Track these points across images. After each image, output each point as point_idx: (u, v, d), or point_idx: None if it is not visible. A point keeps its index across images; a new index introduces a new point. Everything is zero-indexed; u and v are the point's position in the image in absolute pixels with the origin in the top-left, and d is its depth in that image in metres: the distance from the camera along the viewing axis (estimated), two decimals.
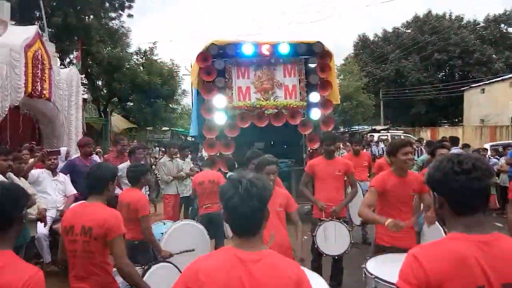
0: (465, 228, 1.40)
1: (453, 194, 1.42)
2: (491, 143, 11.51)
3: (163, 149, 12.54)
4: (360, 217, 3.31)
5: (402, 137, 19.80)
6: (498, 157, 9.09)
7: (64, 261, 2.53)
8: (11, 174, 4.27)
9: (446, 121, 35.35)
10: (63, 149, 6.71)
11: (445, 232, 3.44)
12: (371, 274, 2.67)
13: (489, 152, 9.70)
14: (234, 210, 1.48)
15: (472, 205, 1.41)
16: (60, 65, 14.15)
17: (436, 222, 3.69)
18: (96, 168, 2.66)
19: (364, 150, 9.46)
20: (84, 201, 2.66)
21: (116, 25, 20.65)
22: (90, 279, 2.41)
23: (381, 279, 2.54)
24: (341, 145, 9.77)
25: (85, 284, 2.41)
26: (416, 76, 32.24)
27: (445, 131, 25.73)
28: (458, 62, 31.73)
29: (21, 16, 15.29)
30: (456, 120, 33.84)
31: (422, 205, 3.69)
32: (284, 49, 8.01)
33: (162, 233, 4.07)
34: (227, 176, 7.27)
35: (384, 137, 19.09)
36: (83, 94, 12.53)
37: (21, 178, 4.58)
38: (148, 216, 3.71)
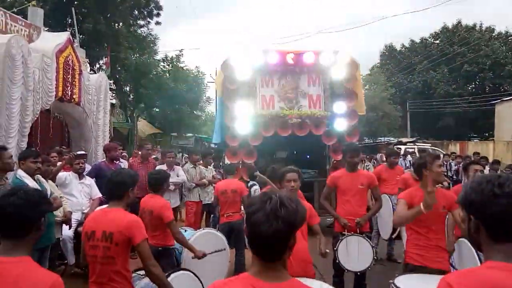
0: (504, 256, 1.29)
1: (492, 218, 1.31)
2: None
3: (187, 155, 12.68)
4: (397, 224, 3.18)
5: (430, 150, 19.30)
6: None
7: (86, 265, 2.55)
8: (39, 177, 4.38)
9: (475, 135, 34.25)
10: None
11: (477, 254, 3.29)
12: None
13: None
14: (255, 226, 1.34)
15: None
16: (90, 71, 14.57)
17: (468, 243, 3.53)
18: (117, 174, 2.68)
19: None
20: (105, 206, 2.69)
21: (144, 32, 21.16)
22: (109, 285, 2.42)
23: None
24: (365, 158, 9.57)
25: None
26: (445, 88, 31.46)
27: (475, 146, 24.94)
28: (488, 75, 30.80)
29: (53, 22, 15.90)
30: (486, 134, 32.74)
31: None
32: (309, 58, 7.97)
33: None
34: (248, 185, 7.31)
35: (410, 150, 18.63)
36: (111, 99, 12.85)
37: (49, 180, 4.69)
38: (174, 221, 3.74)
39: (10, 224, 1.63)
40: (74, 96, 7.99)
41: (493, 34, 33.04)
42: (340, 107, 8.03)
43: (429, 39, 35.56)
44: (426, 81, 32.58)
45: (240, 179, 7.63)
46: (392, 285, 2.68)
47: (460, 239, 3.29)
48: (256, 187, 7.31)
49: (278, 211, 1.32)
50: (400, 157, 16.71)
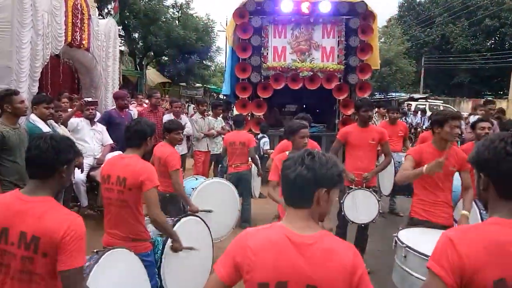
0: (509, 214, 1.31)
1: (503, 175, 1.33)
2: None
3: (195, 105, 12.67)
4: (399, 182, 3.19)
5: (441, 107, 19.03)
6: None
7: (99, 207, 2.67)
8: (52, 122, 4.44)
9: (489, 93, 33.49)
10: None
11: (479, 212, 3.34)
12: (402, 243, 2.65)
13: None
14: (283, 171, 1.44)
15: None
16: (98, 16, 14.24)
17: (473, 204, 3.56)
18: (136, 123, 2.71)
19: (401, 119, 9.07)
20: (121, 151, 2.74)
21: None
22: (123, 226, 2.54)
23: (412, 249, 2.52)
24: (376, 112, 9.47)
25: (117, 231, 2.55)
26: (463, 43, 30.34)
27: None
28: (510, 30, 29.50)
29: None
30: (501, 92, 31.98)
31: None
32: (325, 8, 7.68)
33: (193, 188, 4.17)
34: (258, 137, 7.35)
35: (422, 107, 18.39)
36: (120, 46, 12.65)
37: (61, 126, 4.76)
38: (177, 171, 3.79)
39: (34, 165, 1.74)
40: (84, 42, 7.87)
41: None
42: (354, 60, 7.85)
43: None
44: (445, 35, 31.39)
45: (249, 131, 7.68)
46: (396, 238, 2.76)
47: (464, 212, 3.30)
48: (266, 139, 7.37)
49: (305, 159, 1.40)
50: (411, 114, 16.60)
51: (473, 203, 3.37)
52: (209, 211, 3.90)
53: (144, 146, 2.66)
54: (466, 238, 1.31)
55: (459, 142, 6.66)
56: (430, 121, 3.48)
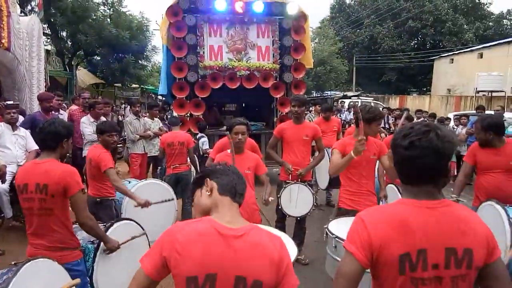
0: (413, 195, 1.43)
1: (397, 165, 1.48)
2: (455, 113, 11.91)
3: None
4: (332, 173, 3.38)
5: (372, 104, 20.16)
6: (461, 126, 9.46)
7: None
8: None
9: (414, 90, 36.15)
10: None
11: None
12: (332, 234, 2.79)
13: (452, 122, 10.05)
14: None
15: (417, 179, 1.43)
16: (20, 13, 13.19)
17: (394, 187, 3.85)
18: (49, 124, 2.50)
19: (335, 116, 9.54)
20: (36, 158, 2.55)
21: None
22: (49, 236, 2.39)
23: (341, 239, 2.65)
24: (311, 110, 9.83)
25: (43, 241, 2.39)
26: (389, 43, 32.43)
27: (413, 100, 26.37)
28: (430, 31, 32.06)
29: None
30: (424, 89, 34.67)
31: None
32: (258, 8, 7.79)
33: None
34: (197, 137, 7.28)
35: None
36: (45, 45, 11.85)
37: None
38: (112, 169, 3.64)
39: None
40: (3, 41, 7.26)
41: None
42: (288, 59, 8.06)
43: None
44: (373, 36, 33.31)
45: (188, 131, 7.57)
46: (326, 230, 2.90)
47: (389, 185, 3.56)
48: (205, 139, 7.32)
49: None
50: (346, 111, 17.44)
51: (396, 188, 3.65)
52: (170, 200, 3.98)
53: (60, 148, 2.48)
54: (375, 218, 1.42)
55: (385, 135, 7.15)
56: (355, 115, 3.71)
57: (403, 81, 34.19)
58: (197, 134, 7.47)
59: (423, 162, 1.38)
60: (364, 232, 1.39)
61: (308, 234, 4.69)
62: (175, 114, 8.26)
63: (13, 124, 5.03)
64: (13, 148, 4.96)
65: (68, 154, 3.60)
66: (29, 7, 17.73)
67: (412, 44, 34.70)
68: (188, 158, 5.56)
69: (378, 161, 3.52)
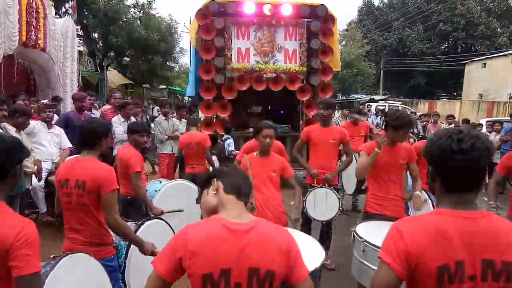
0: (452, 204, 1.40)
1: (447, 172, 1.40)
2: (487, 119, 11.54)
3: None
4: (359, 174, 3.40)
5: (400, 108, 19.77)
6: (494, 133, 9.15)
7: (60, 213, 2.57)
8: (6, 124, 4.25)
9: (444, 94, 35.22)
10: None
11: (433, 205, 3.54)
12: (360, 238, 2.75)
13: (484, 128, 9.74)
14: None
15: (464, 185, 1.39)
16: (55, 15, 13.69)
17: (425, 194, 3.77)
18: (89, 123, 2.61)
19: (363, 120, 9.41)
20: (78, 155, 2.65)
21: None
22: (84, 231, 2.47)
23: (369, 243, 2.62)
24: (338, 114, 9.74)
25: (79, 236, 2.47)
26: (419, 46, 31.75)
27: (442, 105, 25.72)
28: (462, 34, 31.19)
29: None
30: (455, 93, 33.72)
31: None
32: (286, 11, 7.80)
33: (156, 191, 4.12)
34: (223, 138, 7.35)
35: (382, 107, 19.03)
36: (78, 46, 12.23)
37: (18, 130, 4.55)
38: (138, 173, 3.73)
39: None
40: (39, 42, 7.57)
41: None
42: (315, 62, 8.02)
43: None
44: (402, 39, 32.70)
45: (214, 132, 7.66)
46: (354, 232, 2.87)
47: (416, 192, 3.50)
48: (230, 140, 7.38)
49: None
50: (373, 115, 17.17)
51: (426, 195, 3.58)
52: (180, 211, 3.85)
53: (98, 146, 2.57)
54: (411, 227, 1.39)
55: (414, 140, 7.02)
56: (385, 119, 3.70)
57: (432, 85, 33.37)
58: (223, 135, 7.54)
59: (479, 165, 1.36)
60: (400, 242, 1.36)
61: (333, 239, 4.64)
62: (200, 115, 8.37)
63: (48, 123, 5.22)
64: (48, 145, 5.15)
65: None
66: (63, 9, 18.36)
67: (442, 47, 33.84)
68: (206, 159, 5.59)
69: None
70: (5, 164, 1.65)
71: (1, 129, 4.06)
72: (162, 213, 3.65)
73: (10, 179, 1.70)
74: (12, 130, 4.29)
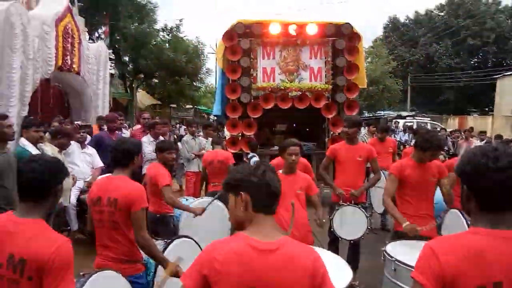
0: (489, 224, 1.35)
1: (483, 190, 1.35)
2: None
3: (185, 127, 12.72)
4: (384, 205, 3.37)
5: (429, 125, 19.33)
6: None
7: (92, 231, 2.66)
8: (42, 145, 4.45)
9: (475, 110, 34.19)
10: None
11: (467, 224, 3.42)
12: (391, 257, 2.69)
13: None
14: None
15: (502, 204, 1.34)
16: (89, 40, 14.37)
17: (458, 212, 3.65)
18: (122, 143, 2.71)
19: (390, 137, 9.28)
20: (110, 174, 2.75)
21: (144, 0, 20.68)
22: (115, 248, 2.53)
23: (401, 262, 2.56)
24: (364, 131, 9.63)
25: (110, 252, 2.53)
26: (447, 61, 31.16)
27: (474, 120, 24.97)
28: (492, 48, 30.42)
29: None
30: (486, 109, 32.67)
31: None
32: (312, 30, 7.88)
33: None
34: (248, 156, 7.39)
35: (410, 124, 18.68)
36: (110, 69, 12.77)
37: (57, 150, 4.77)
38: (168, 186, 3.81)
39: (30, 188, 1.74)
40: (74, 66, 7.95)
41: (499, 7, 32.38)
42: (341, 80, 8.02)
43: (434, 11, 34.89)
44: (429, 54, 32.23)
45: (240, 151, 7.72)
46: (384, 252, 2.81)
47: (452, 210, 3.41)
48: (256, 158, 7.41)
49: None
50: (400, 131, 16.86)
51: (460, 214, 3.46)
52: (218, 198, 4.06)
53: (131, 165, 2.65)
54: (447, 247, 1.35)
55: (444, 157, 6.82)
56: (414, 137, 3.66)
57: (462, 101, 32.51)
58: (248, 153, 7.59)
59: None
60: (435, 263, 1.32)
61: (363, 259, 4.53)
62: (226, 133, 8.47)
63: (82, 143, 5.44)
64: (81, 165, 5.35)
65: None
66: (96, 34, 19.26)
67: (472, 62, 33.06)
68: None
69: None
70: (49, 184, 1.75)
71: (39, 150, 4.24)
72: (203, 210, 3.83)
73: (52, 198, 1.79)
74: (49, 151, 4.48)
